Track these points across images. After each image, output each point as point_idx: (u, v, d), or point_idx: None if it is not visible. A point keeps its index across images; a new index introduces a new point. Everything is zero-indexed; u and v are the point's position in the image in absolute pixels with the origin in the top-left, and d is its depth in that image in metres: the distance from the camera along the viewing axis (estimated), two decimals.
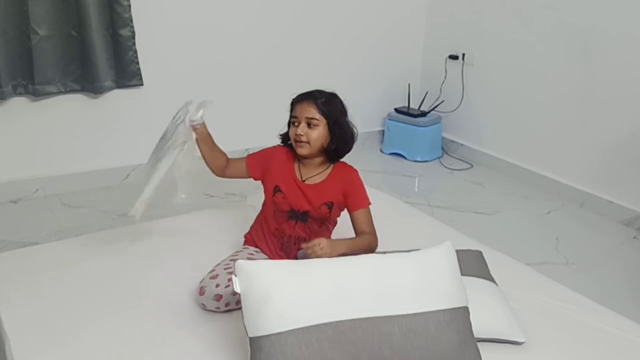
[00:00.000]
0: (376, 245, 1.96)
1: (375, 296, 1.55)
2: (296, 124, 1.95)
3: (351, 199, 1.99)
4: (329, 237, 2.05)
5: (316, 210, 1.99)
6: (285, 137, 2.07)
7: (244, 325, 1.54)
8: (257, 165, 2.08)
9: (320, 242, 1.78)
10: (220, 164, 2.11)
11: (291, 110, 2.00)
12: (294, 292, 1.53)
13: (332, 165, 2.03)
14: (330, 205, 1.98)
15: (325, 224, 2.04)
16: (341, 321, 1.50)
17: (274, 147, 2.10)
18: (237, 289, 1.54)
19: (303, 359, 1.47)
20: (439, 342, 1.54)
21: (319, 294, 1.54)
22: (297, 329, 1.48)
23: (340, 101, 2.00)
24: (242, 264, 1.58)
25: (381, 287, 1.56)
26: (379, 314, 1.52)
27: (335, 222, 2.09)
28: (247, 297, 1.54)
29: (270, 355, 1.48)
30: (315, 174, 2.01)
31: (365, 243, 1.92)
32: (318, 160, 2.01)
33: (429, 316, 1.55)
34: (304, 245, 1.83)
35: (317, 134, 1.94)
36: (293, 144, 1.98)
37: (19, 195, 3.39)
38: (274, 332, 1.48)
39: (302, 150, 1.95)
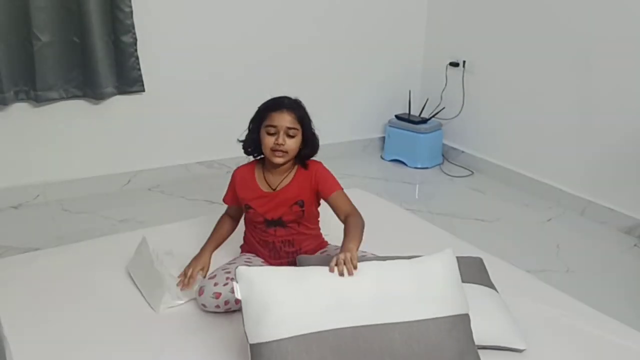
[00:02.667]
0: (364, 221, 1.90)
1: (376, 303, 1.55)
2: (273, 132, 1.94)
3: (322, 187, 2.00)
4: (318, 232, 2.13)
5: (289, 213, 2.01)
6: (248, 143, 2.05)
7: (245, 331, 1.54)
8: (232, 198, 2.12)
9: (344, 257, 1.63)
10: (232, 230, 2.19)
11: (263, 118, 1.98)
12: (295, 299, 1.53)
13: (296, 166, 2.05)
14: (301, 204, 2.00)
15: (304, 224, 2.06)
16: (342, 328, 1.50)
17: (234, 172, 2.12)
18: (239, 296, 1.55)
19: None
20: (440, 349, 1.54)
21: (320, 301, 1.54)
22: (298, 336, 1.48)
23: (305, 108, 2.03)
24: (242, 270, 1.59)
25: (382, 294, 1.57)
26: (380, 322, 1.53)
27: (316, 216, 2.11)
28: (248, 303, 1.54)
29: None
30: (283, 178, 2.03)
31: (359, 226, 1.86)
32: (287, 165, 2.03)
33: (430, 323, 1.55)
34: (331, 265, 1.62)
35: (295, 143, 1.96)
36: (268, 152, 1.97)
37: (20, 200, 3.39)
38: (274, 339, 1.48)
39: (280, 160, 1.96)
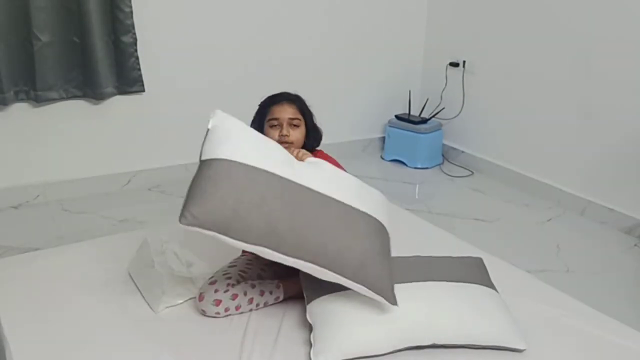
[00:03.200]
0: None
1: (324, 181, 1.70)
2: (276, 125, 2.00)
3: None
4: None
5: None
6: None
7: (200, 152, 1.64)
8: None
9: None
10: None
11: (265, 113, 2.03)
12: (256, 144, 1.68)
13: None
14: None
15: None
16: (294, 182, 1.62)
17: None
18: (209, 125, 1.69)
19: (244, 191, 1.55)
20: (361, 242, 1.65)
21: (278, 156, 1.68)
22: (253, 167, 1.58)
23: (304, 100, 2.10)
24: (220, 113, 1.74)
25: (330, 180, 1.73)
26: (323, 192, 1.66)
27: None
28: (215, 131, 1.67)
29: (216, 174, 1.55)
30: None
31: None
32: None
33: (365, 216, 1.70)
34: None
35: (299, 133, 2.02)
36: None
37: (20, 200, 3.39)
38: (228, 158, 1.58)
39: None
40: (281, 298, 1.91)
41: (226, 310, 1.83)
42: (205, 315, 1.85)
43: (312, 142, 2.08)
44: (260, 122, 2.05)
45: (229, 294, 1.83)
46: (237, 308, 1.83)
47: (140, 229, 2.58)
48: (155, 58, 3.50)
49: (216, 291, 1.84)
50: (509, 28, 3.83)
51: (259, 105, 2.07)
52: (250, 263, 2.02)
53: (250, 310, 1.86)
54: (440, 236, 2.48)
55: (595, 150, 3.42)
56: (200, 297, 1.85)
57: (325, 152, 2.17)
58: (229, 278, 1.89)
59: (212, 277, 1.92)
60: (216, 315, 1.84)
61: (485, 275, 1.94)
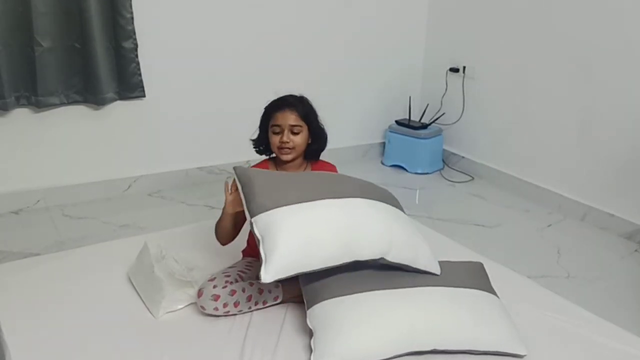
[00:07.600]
0: None
1: None
2: (278, 131, 2.03)
3: None
4: None
5: None
6: (258, 142, 2.13)
7: None
8: None
9: None
10: (233, 237, 2.08)
11: (269, 118, 2.07)
12: None
13: (309, 164, 2.13)
14: None
15: None
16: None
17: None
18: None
19: None
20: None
21: None
22: None
23: (310, 103, 2.11)
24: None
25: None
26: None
27: None
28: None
29: None
30: None
31: None
32: (298, 161, 2.10)
33: None
34: None
35: (301, 139, 2.04)
36: (276, 151, 2.06)
37: (20, 206, 3.39)
38: None
39: (288, 157, 2.04)
40: (280, 298, 1.91)
41: (225, 305, 1.83)
42: (204, 313, 1.85)
43: (316, 146, 2.10)
44: (266, 126, 2.08)
45: (228, 289, 1.84)
46: (235, 305, 1.83)
47: (140, 234, 2.58)
48: (155, 64, 3.51)
49: (215, 287, 1.85)
50: (509, 34, 3.83)
51: (265, 108, 2.10)
52: (250, 265, 2.03)
53: (249, 308, 1.86)
54: (440, 242, 2.48)
55: (596, 156, 3.42)
56: (199, 293, 1.86)
57: (325, 158, 2.18)
58: (228, 276, 1.90)
59: (211, 276, 1.93)
60: (215, 312, 1.83)
61: (485, 280, 1.94)
